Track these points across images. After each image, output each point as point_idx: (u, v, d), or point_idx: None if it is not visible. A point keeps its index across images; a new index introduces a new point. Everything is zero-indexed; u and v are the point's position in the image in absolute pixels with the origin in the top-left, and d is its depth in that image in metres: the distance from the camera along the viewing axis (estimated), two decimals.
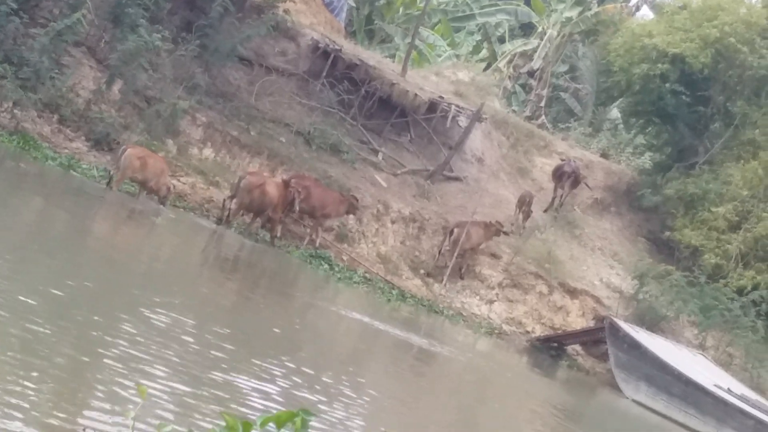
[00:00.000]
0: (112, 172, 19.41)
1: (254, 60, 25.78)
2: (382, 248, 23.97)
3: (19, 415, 6.86)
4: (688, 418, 21.38)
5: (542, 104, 38.09)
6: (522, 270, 25.05)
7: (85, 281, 11.76)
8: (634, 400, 22.04)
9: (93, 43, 22.69)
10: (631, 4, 40.40)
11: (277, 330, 14.04)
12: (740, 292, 26.38)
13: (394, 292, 22.48)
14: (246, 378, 10.08)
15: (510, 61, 39.40)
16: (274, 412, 2.91)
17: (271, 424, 2.92)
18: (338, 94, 26.34)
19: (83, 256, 14.00)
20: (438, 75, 32.57)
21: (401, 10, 40.10)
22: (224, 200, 21.18)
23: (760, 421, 20.67)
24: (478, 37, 41.92)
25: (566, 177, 27.96)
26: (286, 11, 26.39)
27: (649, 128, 34.18)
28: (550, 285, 25.14)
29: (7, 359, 7.81)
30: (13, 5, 20.11)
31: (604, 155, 34.11)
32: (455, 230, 23.91)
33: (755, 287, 26.60)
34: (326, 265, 21.66)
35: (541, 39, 38.72)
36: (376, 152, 26.56)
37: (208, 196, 21.76)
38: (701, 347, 25.47)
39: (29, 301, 9.64)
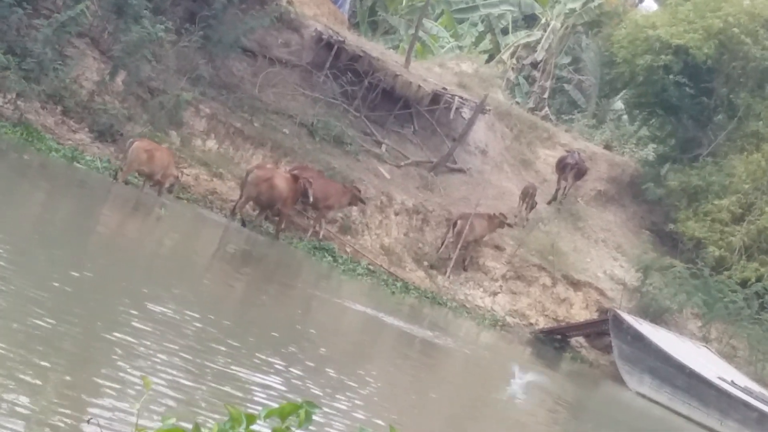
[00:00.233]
0: (119, 164, 19.42)
1: (258, 51, 25.74)
2: (385, 240, 23.96)
3: (26, 404, 6.87)
4: (691, 411, 21.37)
5: (546, 96, 38.02)
6: (525, 262, 25.04)
7: (87, 272, 11.77)
8: (637, 393, 22.03)
9: (96, 34, 22.65)
10: None
11: (280, 322, 14.05)
12: (744, 284, 26.36)
13: (397, 284, 22.48)
14: (250, 370, 10.09)
15: (513, 53, 39.29)
16: (278, 404, 2.90)
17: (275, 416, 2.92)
18: (341, 86, 26.30)
19: (87, 247, 14.00)
20: (441, 66, 32.51)
21: (404, 1, 39.97)
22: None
23: (763, 413, 20.67)
24: (481, 28, 41.76)
25: (569, 169, 27.91)
26: (289, 2, 26.36)
27: (653, 120, 34.10)
28: (554, 277, 25.13)
29: (12, 351, 7.82)
30: None
31: (608, 147, 34.04)
32: (459, 222, 23.88)
33: (759, 279, 26.58)
34: (330, 257, 21.65)
35: (545, 30, 38.62)
36: (379, 144, 26.54)
37: (212, 188, 21.77)
38: (705, 339, 25.46)
39: (36, 293, 9.65)
